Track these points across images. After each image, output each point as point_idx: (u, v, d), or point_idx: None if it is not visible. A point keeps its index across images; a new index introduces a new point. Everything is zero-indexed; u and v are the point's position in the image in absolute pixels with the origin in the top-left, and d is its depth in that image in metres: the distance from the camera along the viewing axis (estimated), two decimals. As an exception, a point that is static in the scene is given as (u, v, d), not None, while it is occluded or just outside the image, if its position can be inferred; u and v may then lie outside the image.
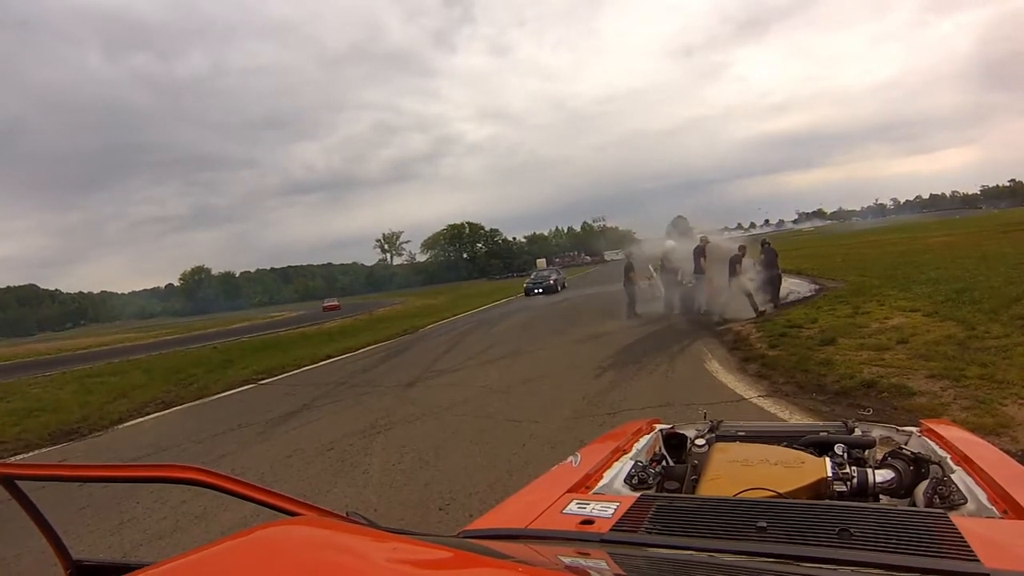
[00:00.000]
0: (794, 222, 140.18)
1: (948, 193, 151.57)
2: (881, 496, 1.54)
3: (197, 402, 10.65)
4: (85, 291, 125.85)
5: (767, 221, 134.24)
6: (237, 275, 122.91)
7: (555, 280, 34.71)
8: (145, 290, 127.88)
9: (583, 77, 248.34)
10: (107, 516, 4.95)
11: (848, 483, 1.51)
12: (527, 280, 36.76)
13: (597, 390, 7.69)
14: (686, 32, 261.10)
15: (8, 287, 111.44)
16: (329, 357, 14.88)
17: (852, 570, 0.94)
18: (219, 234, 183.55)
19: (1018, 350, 6.56)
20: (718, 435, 2.02)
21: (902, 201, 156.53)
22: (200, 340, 28.89)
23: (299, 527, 0.87)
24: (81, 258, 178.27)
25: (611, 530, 1.21)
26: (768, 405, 6.26)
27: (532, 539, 1.19)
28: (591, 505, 1.36)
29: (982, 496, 1.32)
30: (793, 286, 16.26)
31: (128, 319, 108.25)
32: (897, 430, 1.92)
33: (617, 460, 1.82)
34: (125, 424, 9.34)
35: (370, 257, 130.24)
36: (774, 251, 14.05)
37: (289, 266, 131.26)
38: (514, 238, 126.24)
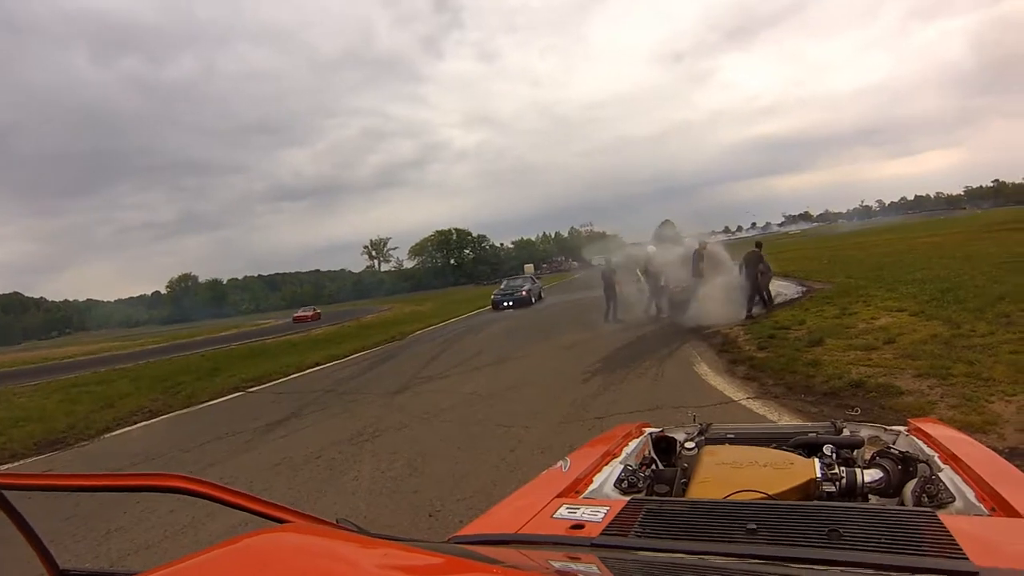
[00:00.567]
0: (780, 225, 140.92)
1: (932, 194, 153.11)
2: (870, 496, 1.54)
3: (185, 411, 10.56)
4: (71, 299, 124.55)
5: (754, 224, 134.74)
6: (224, 282, 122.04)
7: (528, 291, 29.79)
8: (131, 298, 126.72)
9: (572, 83, 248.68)
10: (94, 525, 4.89)
11: (837, 483, 1.52)
12: (495, 291, 31.01)
13: (586, 395, 7.69)
14: (675, 38, 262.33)
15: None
16: (317, 364, 14.78)
17: (842, 570, 0.94)
18: (206, 241, 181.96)
19: (1003, 347, 6.63)
20: (707, 438, 2.03)
21: (887, 203, 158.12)
22: (187, 348, 28.64)
23: (288, 534, 0.86)
24: (66, 265, 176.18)
25: (601, 534, 1.20)
26: (757, 407, 6.29)
27: (522, 544, 1.19)
28: (581, 509, 1.36)
29: (970, 494, 1.33)
30: (780, 288, 16.33)
31: (114, 327, 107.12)
32: (885, 429, 1.94)
33: (607, 464, 1.82)
34: (112, 433, 9.24)
35: (358, 264, 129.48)
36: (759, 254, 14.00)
37: (276, 273, 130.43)
38: (501, 244, 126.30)
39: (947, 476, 1.46)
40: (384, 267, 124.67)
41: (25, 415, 11.26)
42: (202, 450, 7.36)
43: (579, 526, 1.27)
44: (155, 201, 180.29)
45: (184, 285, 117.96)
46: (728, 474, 1.58)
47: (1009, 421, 4.76)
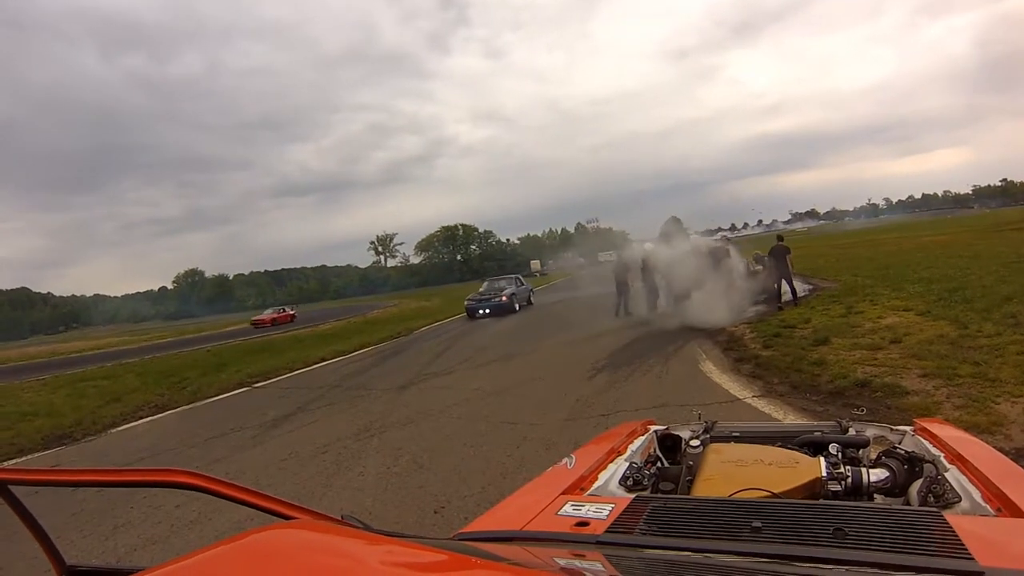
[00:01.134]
0: (786, 223, 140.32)
1: (940, 193, 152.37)
2: (875, 495, 1.54)
3: (191, 406, 10.60)
4: (78, 294, 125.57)
5: (760, 221, 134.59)
6: (231, 278, 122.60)
7: (511, 295, 23.62)
8: (138, 293, 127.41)
9: (578, 79, 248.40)
10: (101, 521, 4.92)
11: (842, 483, 1.52)
12: (468, 296, 25.48)
13: (591, 392, 7.69)
14: (681, 34, 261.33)
15: (0, 290, 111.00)
16: (323, 360, 14.83)
17: (847, 569, 0.94)
18: (212, 236, 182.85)
19: (1010, 348, 6.60)
20: (712, 436, 2.02)
21: (894, 201, 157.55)
22: (193, 343, 28.78)
23: (293, 530, 0.86)
24: (73, 261, 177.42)
25: (606, 531, 1.20)
26: (762, 405, 6.28)
27: (527, 541, 1.19)
28: (586, 507, 1.36)
29: (976, 495, 1.32)
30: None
31: (121, 322, 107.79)
32: (891, 429, 1.93)
33: (612, 461, 1.82)
34: (118, 428, 9.30)
35: (364, 259, 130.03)
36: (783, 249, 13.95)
37: (283, 268, 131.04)
38: (508, 239, 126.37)
39: (953, 476, 1.46)
40: (390, 263, 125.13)
41: (32, 410, 11.35)
42: (208, 445, 7.39)
43: (584, 523, 1.27)
44: (161, 197, 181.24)
45: (190, 281, 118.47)
46: (733, 472, 1.58)
47: (1015, 422, 4.74)
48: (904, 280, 13.90)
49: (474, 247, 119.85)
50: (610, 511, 1.30)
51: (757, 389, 6.95)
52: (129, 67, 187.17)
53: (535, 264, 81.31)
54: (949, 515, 1.13)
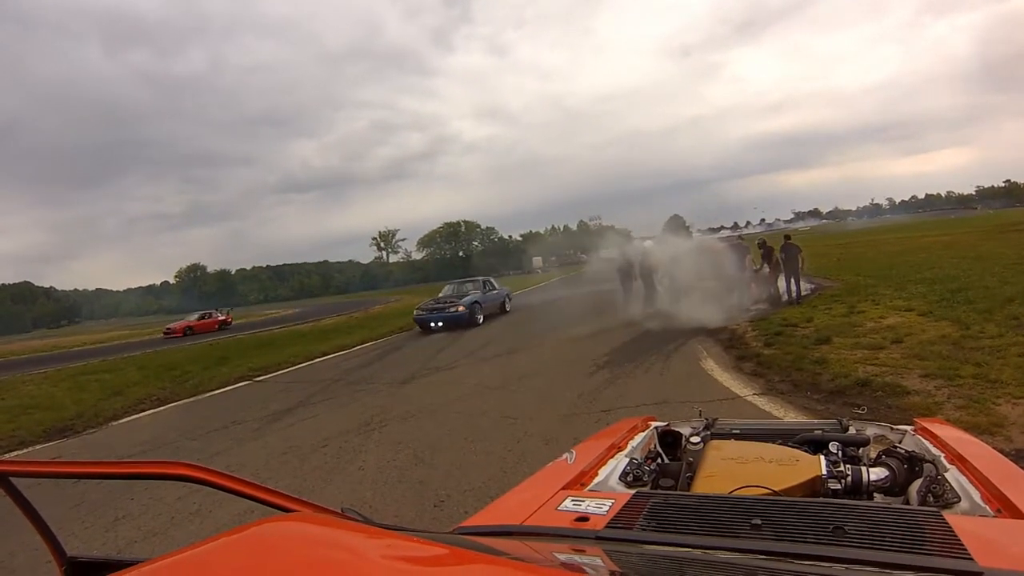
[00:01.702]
0: (788, 221, 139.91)
1: (943, 193, 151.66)
2: (875, 494, 1.54)
3: (192, 399, 10.63)
4: (80, 288, 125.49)
5: (763, 220, 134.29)
6: (233, 273, 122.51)
7: (471, 305, 18.69)
8: (140, 287, 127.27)
9: (581, 76, 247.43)
10: (102, 513, 4.94)
11: (842, 481, 1.52)
12: (418, 305, 20.16)
13: (592, 387, 7.70)
14: (684, 32, 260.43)
15: (3, 284, 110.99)
16: (324, 354, 14.88)
17: (846, 567, 0.94)
18: (215, 231, 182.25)
19: (1012, 350, 6.59)
20: (713, 433, 2.03)
21: (898, 201, 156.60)
22: (195, 337, 28.85)
23: (293, 523, 0.87)
24: (75, 255, 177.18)
25: (606, 527, 1.21)
26: (763, 403, 6.28)
27: (527, 536, 1.20)
28: (586, 502, 1.37)
29: (976, 495, 1.32)
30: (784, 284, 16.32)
31: (123, 316, 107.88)
32: (891, 428, 1.93)
33: (612, 457, 1.82)
34: (120, 421, 9.32)
35: (366, 255, 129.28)
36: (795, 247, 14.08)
37: (285, 264, 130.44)
38: (510, 236, 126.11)
39: (953, 476, 1.46)
40: (392, 258, 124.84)
41: (34, 403, 11.38)
42: (209, 438, 7.41)
43: (584, 519, 1.27)
44: (164, 192, 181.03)
45: (192, 275, 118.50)
46: (733, 469, 1.58)
47: (1016, 423, 4.73)
48: (906, 280, 13.89)
49: (476, 243, 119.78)
50: (610, 507, 1.30)
51: (758, 387, 6.95)
52: (133, 63, 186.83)
53: (537, 261, 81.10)
54: (948, 515, 1.13)
